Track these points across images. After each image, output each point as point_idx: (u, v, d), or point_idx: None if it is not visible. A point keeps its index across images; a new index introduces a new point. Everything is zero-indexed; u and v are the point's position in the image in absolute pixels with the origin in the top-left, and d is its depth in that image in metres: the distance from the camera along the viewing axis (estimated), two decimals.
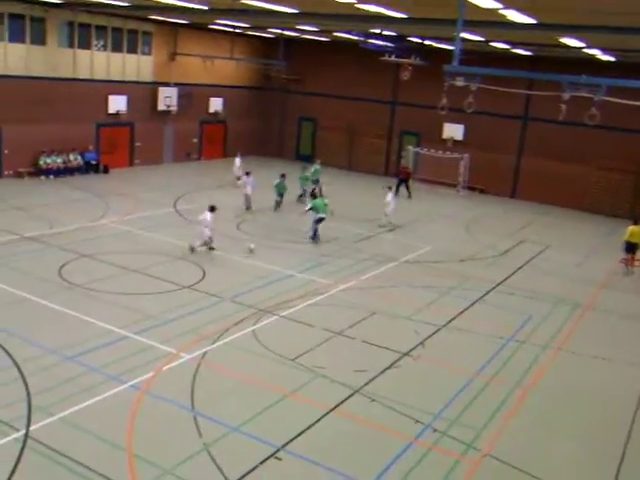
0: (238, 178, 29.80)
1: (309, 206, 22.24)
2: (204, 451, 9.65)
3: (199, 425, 10.33)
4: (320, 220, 21.84)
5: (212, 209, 19.77)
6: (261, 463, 9.47)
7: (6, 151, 27.53)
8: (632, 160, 31.28)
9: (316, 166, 29.73)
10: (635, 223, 22.14)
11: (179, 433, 10.12)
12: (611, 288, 20.25)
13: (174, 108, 34.38)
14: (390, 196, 25.20)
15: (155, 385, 11.47)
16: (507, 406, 12.00)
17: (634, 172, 31.51)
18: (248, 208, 25.43)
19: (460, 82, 26.89)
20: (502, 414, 11.68)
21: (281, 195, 26.29)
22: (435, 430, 10.89)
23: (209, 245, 19.72)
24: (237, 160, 30.89)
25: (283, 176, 26.38)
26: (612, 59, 27.85)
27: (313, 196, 23.30)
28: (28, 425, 9.88)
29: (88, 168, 30.42)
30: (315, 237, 21.92)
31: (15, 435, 9.61)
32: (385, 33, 26.64)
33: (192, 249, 19.50)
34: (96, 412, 10.45)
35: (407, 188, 31.77)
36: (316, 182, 28.02)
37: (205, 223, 19.41)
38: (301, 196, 27.85)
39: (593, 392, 13.07)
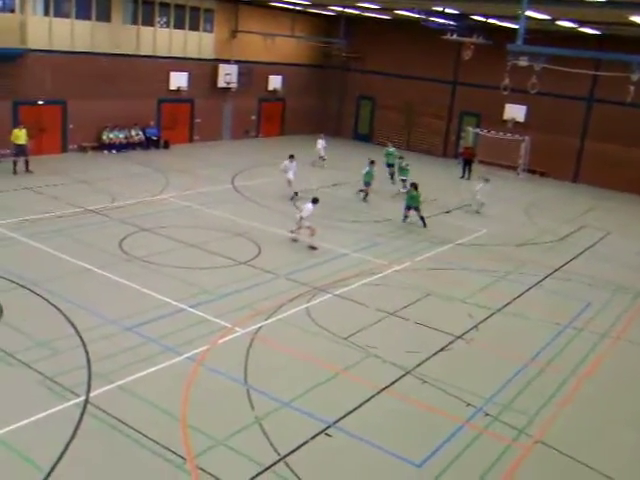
0: (322, 158, 30.24)
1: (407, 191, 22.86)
2: (256, 424, 9.84)
3: (252, 399, 10.53)
4: (409, 208, 22.22)
5: (315, 201, 18.95)
6: (311, 439, 9.61)
7: (71, 125, 28.27)
8: None
9: (389, 149, 28.98)
10: None
11: (232, 406, 10.34)
12: None
13: (234, 85, 34.63)
14: (480, 186, 24.93)
15: (210, 358, 11.73)
16: (561, 393, 11.82)
17: None
18: (296, 194, 23.80)
19: (524, 62, 26.39)
20: (556, 401, 11.51)
21: (368, 184, 24.74)
22: (487, 414, 10.82)
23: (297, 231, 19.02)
24: (320, 141, 30.88)
25: (372, 163, 25.02)
26: None
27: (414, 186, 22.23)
28: (88, 391, 10.25)
29: (149, 143, 31.02)
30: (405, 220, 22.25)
31: (76, 400, 9.99)
32: (447, 11, 26.16)
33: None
34: (153, 381, 10.76)
35: (469, 170, 31.37)
36: (390, 166, 27.79)
37: (305, 213, 18.59)
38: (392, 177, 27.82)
39: None
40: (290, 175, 23.92)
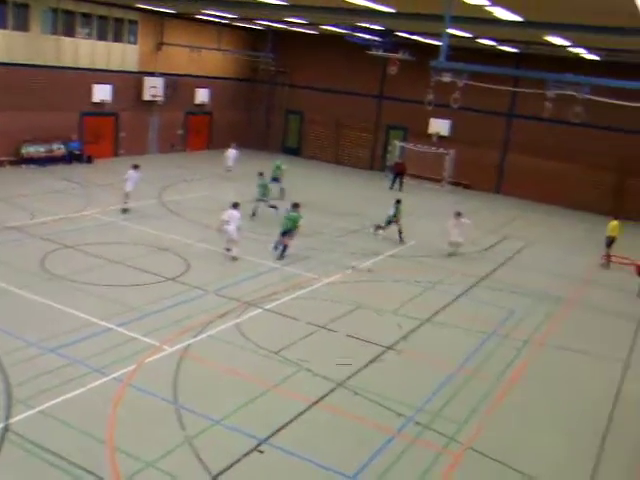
0: (228, 169, 29.85)
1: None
2: (186, 444, 9.63)
3: (182, 418, 10.31)
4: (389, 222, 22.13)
5: (235, 206, 18.78)
6: (244, 456, 9.47)
7: None
8: (614, 157, 31.51)
9: (277, 162, 27.62)
10: (616, 218, 22.49)
11: (161, 426, 10.09)
12: (592, 283, 20.44)
13: (160, 98, 34.16)
14: (452, 222, 21.63)
15: (138, 378, 11.43)
16: (489, 400, 12.09)
17: (616, 169, 31.75)
18: (124, 210, 22.30)
19: (447, 78, 27.08)
20: (484, 408, 11.77)
21: (265, 197, 23.13)
22: (417, 423, 10.95)
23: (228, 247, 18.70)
24: (232, 151, 30.53)
25: (261, 174, 23.71)
26: (597, 58, 28.02)
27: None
28: (8, 417, 9.80)
29: (71, 158, 30.15)
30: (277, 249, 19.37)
31: None
32: (373, 27, 26.61)
33: (233, 257, 18.61)
34: (78, 405, 10.39)
35: (400, 183, 32.01)
36: (274, 181, 26.11)
37: (232, 221, 18.47)
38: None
39: (573, 386, 13.19)
40: (129, 186, 22.27)
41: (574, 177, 32.58)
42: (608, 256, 22.28)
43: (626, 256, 22.16)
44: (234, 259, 18.52)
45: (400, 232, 22.23)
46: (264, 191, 23.28)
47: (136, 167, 22.62)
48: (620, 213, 23.46)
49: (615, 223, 22.27)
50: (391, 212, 22.40)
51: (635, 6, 11.92)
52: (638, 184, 31.57)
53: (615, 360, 14.69)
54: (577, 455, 10.70)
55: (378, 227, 22.78)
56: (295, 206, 19.70)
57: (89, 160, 30.84)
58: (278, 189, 26.22)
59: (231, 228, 18.48)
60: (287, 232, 19.17)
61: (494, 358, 14.02)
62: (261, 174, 23.87)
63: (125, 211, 22.26)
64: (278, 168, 27.06)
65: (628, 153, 31.24)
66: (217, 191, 26.58)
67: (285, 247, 19.12)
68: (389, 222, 22.42)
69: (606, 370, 14.17)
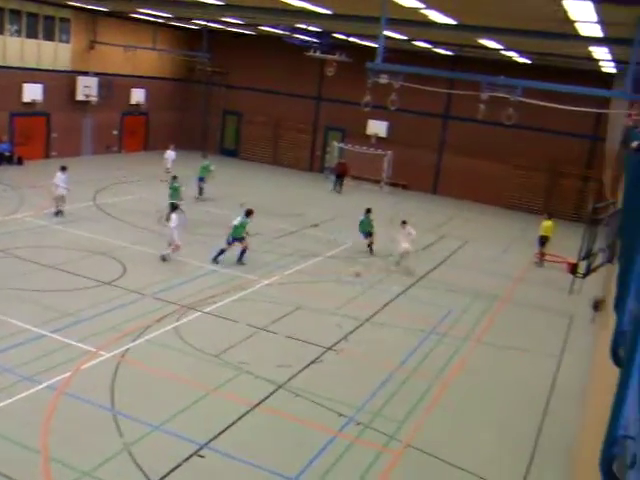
0: (168, 170, 29.37)
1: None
2: (125, 451, 9.44)
3: (119, 425, 10.10)
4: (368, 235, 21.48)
5: (174, 208, 18.62)
6: (184, 461, 9.35)
7: None
8: (546, 158, 32.54)
9: (205, 163, 27.63)
10: (548, 218, 23.18)
11: (98, 434, 9.86)
12: (526, 281, 21.03)
13: (94, 98, 33.34)
14: (402, 233, 20.60)
15: (73, 385, 11.13)
16: (428, 398, 12.29)
17: (548, 170, 32.79)
18: (58, 213, 21.53)
19: (384, 79, 27.31)
20: (423, 406, 11.95)
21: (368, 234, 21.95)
22: (358, 423, 11.03)
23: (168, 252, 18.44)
24: (170, 153, 30.08)
25: (175, 178, 23.16)
26: (528, 61, 28.86)
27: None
28: None
29: (1, 159, 29.16)
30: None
31: None
32: (310, 29, 26.68)
33: (164, 257, 18.39)
34: (8, 415, 10.04)
35: (340, 184, 32.24)
36: (200, 180, 26.66)
37: (172, 223, 18.31)
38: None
39: (510, 383, 13.53)
40: (61, 189, 21.43)
41: (508, 178, 33.48)
42: (541, 254, 22.96)
43: (558, 254, 22.88)
44: (163, 259, 18.28)
45: (371, 244, 21.53)
46: (176, 194, 22.43)
47: (64, 169, 21.67)
48: (552, 213, 24.19)
49: (549, 223, 22.94)
50: (361, 221, 21.82)
51: (564, 13, 12.32)
52: (568, 184, 32.69)
53: (549, 355, 15.15)
54: (513, 450, 10.98)
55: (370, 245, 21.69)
56: (248, 213, 19.23)
57: (19, 162, 29.88)
58: (199, 188, 26.65)
59: (172, 227, 18.28)
60: (237, 239, 18.84)
61: (433, 356, 14.26)
62: (175, 177, 23.12)
63: (58, 214, 21.56)
64: (205, 168, 27.04)
65: (559, 154, 32.29)
66: (154, 193, 26.13)
67: (244, 251, 18.92)
68: (369, 234, 21.66)
69: (541, 365, 14.59)
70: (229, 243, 18.83)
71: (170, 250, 18.33)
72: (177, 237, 18.34)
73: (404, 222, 20.86)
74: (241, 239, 18.90)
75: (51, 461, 8.99)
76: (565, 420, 12.07)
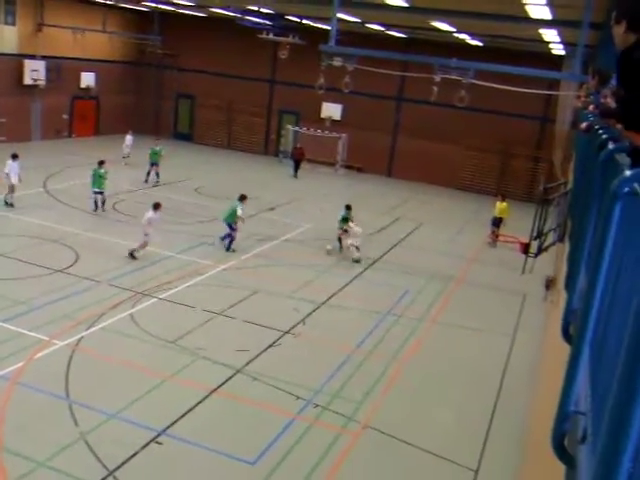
0: (126, 156, 29.49)
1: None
2: (81, 440, 9.31)
3: (75, 414, 9.95)
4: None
5: (156, 207, 17.86)
6: (141, 449, 9.28)
7: None
8: (498, 140, 33.01)
9: (155, 148, 27.06)
10: (503, 200, 23.55)
11: (53, 423, 9.71)
12: (480, 262, 21.39)
13: (42, 82, 32.45)
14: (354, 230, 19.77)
15: (26, 375, 10.92)
16: (385, 379, 12.42)
17: (500, 152, 33.30)
18: (9, 204, 20.67)
19: (337, 62, 27.33)
20: (380, 387, 12.08)
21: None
22: (316, 405, 11.10)
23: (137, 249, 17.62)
24: (128, 137, 30.08)
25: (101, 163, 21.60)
26: (480, 44, 29.13)
27: None
28: None
29: None
30: None
31: None
32: (263, 11, 26.41)
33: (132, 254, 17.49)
34: None
35: (296, 168, 32.10)
36: (153, 165, 26.58)
37: (149, 222, 17.58)
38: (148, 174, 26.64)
39: (465, 362, 13.77)
40: (13, 178, 20.49)
41: (461, 159, 33.88)
42: (495, 235, 23.34)
43: (511, 234, 23.28)
44: (132, 256, 17.52)
45: (340, 240, 20.23)
46: (100, 181, 21.17)
47: (15, 157, 20.82)
48: (505, 194, 24.61)
49: (504, 205, 23.29)
50: (340, 217, 20.47)
51: None
52: (519, 165, 33.26)
53: (503, 334, 15.45)
54: (469, 428, 11.20)
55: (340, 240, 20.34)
56: (242, 198, 19.29)
57: None
58: (152, 173, 26.67)
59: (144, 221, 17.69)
60: (230, 224, 18.94)
61: (389, 338, 14.41)
62: (101, 163, 21.55)
63: (8, 204, 20.85)
64: (155, 153, 26.89)
65: (510, 136, 32.77)
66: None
67: (232, 239, 18.98)
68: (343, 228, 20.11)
69: (495, 344, 14.89)
70: (232, 228, 18.96)
71: (138, 246, 17.66)
72: (149, 234, 17.50)
73: (348, 207, 20.53)
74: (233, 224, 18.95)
75: (4, 452, 8.82)
76: (518, 397, 12.35)
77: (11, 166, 20.63)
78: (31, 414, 9.89)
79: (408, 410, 11.47)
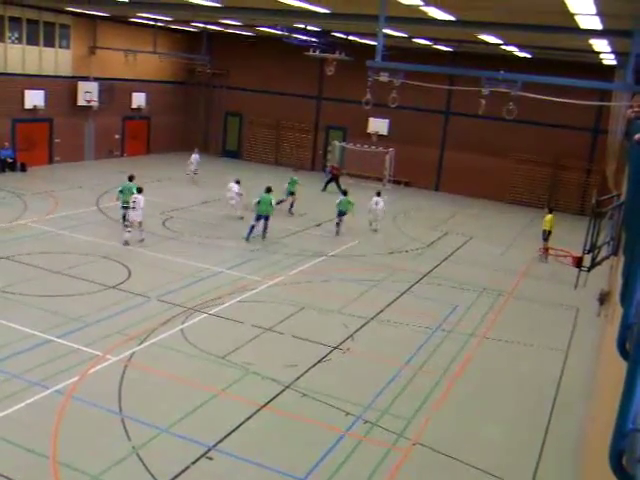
0: (194, 173, 30.56)
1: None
2: (133, 454, 9.45)
3: (127, 428, 10.11)
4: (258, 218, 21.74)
5: (140, 190, 20.00)
6: (192, 464, 9.36)
7: None
8: (548, 153, 32.47)
9: (294, 178, 27.15)
10: (550, 212, 23.14)
11: (107, 437, 9.88)
12: (531, 276, 20.99)
13: (95, 103, 33.40)
14: (374, 200, 24.59)
15: (81, 389, 11.16)
16: (435, 394, 12.27)
17: (550, 164, 32.72)
18: (241, 218, 23.63)
19: (384, 77, 27.39)
20: (430, 403, 11.93)
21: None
22: (366, 421, 11.02)
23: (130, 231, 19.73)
24: (194, 156, 30.79)
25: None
26: (528, 56, 28.79)
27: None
28: None
29: (4, 166, 29.22)
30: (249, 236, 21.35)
31: None
32: (309, 28, 26.66)
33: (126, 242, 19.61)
34: (18, 420, 10.07)
35: (338, 185, 31.96)
36: (291, 194, 26.30)
37: (136, 205, 19.64)
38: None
39: (517, 378, 13.51)
40: (138, 213, 20.02)
41: (510, 173, 33.41)
42: (545, 249, 22.90)
43: (562, 248, 22.81)
44: (126, 243, 19.51)
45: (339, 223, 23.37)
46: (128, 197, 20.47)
47: (238, 182, 24.10)
48: (555, 207, 24.16)
49: (550, 216, 22.93)
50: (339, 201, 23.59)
51: (565, 5, 12.28)
52: (571, 178, 32.61)
53: (555, 350, 15.11)
54: (522, 445, 10.96)
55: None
56: (268, 190, 21.75)
57: (23, 168, 29.94)
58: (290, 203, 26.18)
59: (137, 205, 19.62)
60: (261, 216, 21.28)
61: (439, 353, 14.24)
62: (131, 178, 21.47)
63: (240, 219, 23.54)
64: (294, 183, 26.56)
65: (560, 148, 32.21)
66: (157, 196, 26.15)
67: (252, 229, 21.22)
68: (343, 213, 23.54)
69: (547, 360, 14.56)
70: (257, 219, 21.31)
71: (127, 232, 19.63)
72: (137, 216, 19.55)
73: (378, 193, 24.67)
74: (266, 217, 21.34)
75: (60, 466, 9.02)
76: (573, 414, 12.05)
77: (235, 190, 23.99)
78: (85, 428, 10.09)
79: (459, 426, 11.30)
